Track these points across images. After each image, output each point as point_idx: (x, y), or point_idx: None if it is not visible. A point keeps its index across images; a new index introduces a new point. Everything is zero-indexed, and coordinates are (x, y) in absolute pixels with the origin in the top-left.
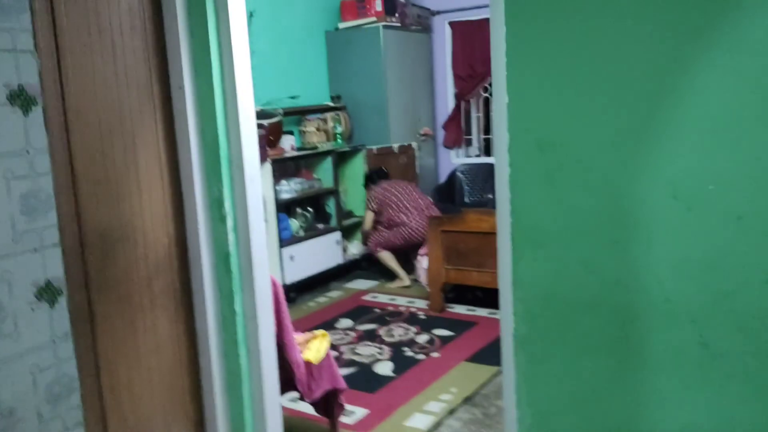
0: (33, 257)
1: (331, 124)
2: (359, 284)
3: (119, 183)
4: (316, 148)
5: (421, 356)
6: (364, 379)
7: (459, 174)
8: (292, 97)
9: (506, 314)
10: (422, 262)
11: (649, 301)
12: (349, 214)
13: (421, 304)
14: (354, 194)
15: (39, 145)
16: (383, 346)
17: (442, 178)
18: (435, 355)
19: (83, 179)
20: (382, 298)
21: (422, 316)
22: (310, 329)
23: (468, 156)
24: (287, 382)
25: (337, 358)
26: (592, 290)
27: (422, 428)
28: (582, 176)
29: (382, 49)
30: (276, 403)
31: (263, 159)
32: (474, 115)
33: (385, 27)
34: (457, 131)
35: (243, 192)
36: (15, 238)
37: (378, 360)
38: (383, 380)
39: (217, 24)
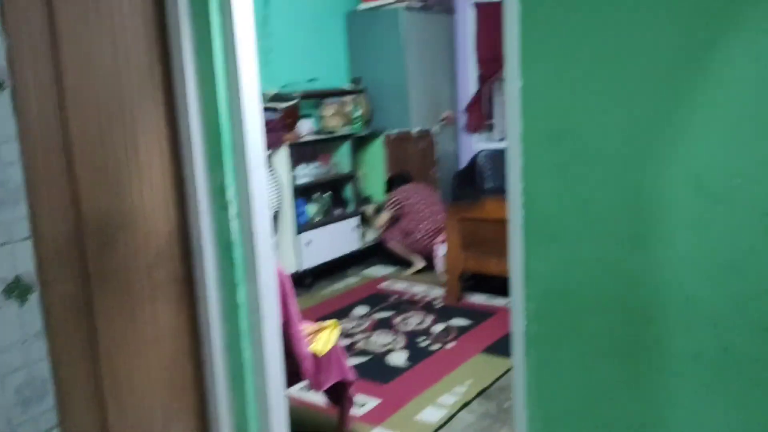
0: (0, 252)
1: (349, 107)
2: (376, 271)
3: (119, 169)
4: (334, 132)
5: (436, 346)
6: (377, 369)
7: (480, 159)
8: (311, 80)
9: (517, 311)
10: (439, 250)
11: (667, 302)
12: (367, 200)
13: (439, 292)
14: (372, 179)
15: (6, 132)
16: (398, 335)
17: (463, 163)
18: (450, 345)
19: (81, 165)
20: (399, 286)
21: (439, 305)
22: (324, 316)
23: (490, 141)
24: (296, 374)
25: (351, 347)
26: (607, 288)
27: (434, 422)
28: (599, 167)
29: (404, 31)
30: (281, 396)
31: (279, 143)
32: (497, 99)
33: (406, 8)
34: (479, 116)
35: (246, 179)
36: None
37: (392, 350)
38: (396, 371)
39: (220, 3)
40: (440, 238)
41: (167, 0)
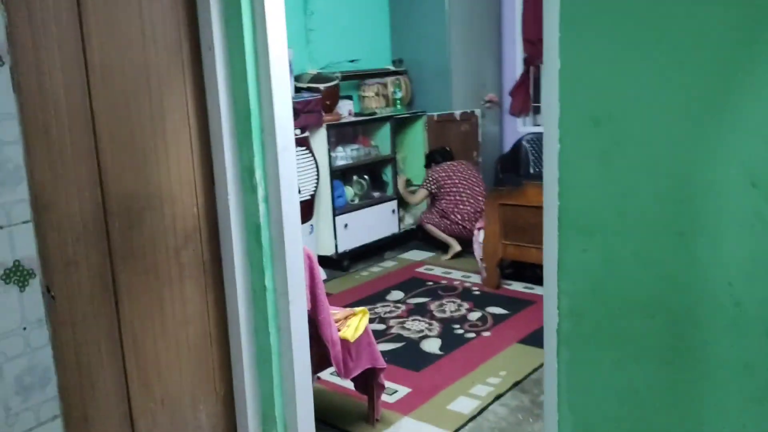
0: None
1: (391, 89)
2: (414, 255)
3: (145, 148)
4: (374, 113)
5: (471, 335)
6: (410, 356)
7: (525, 143)
8: (352, 61)
9: (549, 308)
10: (478, 236)
11: (715, 305)
12: (408, 182)
13: (477, 279)
14: (412, 162)
15: (4, 110)
16: (433, 321)
17: (507, 147)
18: (486, 334)
19: (107, 144)
20: (437, 271)
21: (476, 292)
22: (360, 300)
23: (535, 125)
24: (325, 359)
25: (385, 332)
26: (648, 288)
27: (465, 413)
28: (643, 156)
29: (448, 11)
30: (307, 382)
31: (318, 124)
32: None
33: None
34: (524, 98)
35: (275, 161)
36: None
37: (426, 336)
38: (430, 358)
39: None
40: (480, 223)
41: None
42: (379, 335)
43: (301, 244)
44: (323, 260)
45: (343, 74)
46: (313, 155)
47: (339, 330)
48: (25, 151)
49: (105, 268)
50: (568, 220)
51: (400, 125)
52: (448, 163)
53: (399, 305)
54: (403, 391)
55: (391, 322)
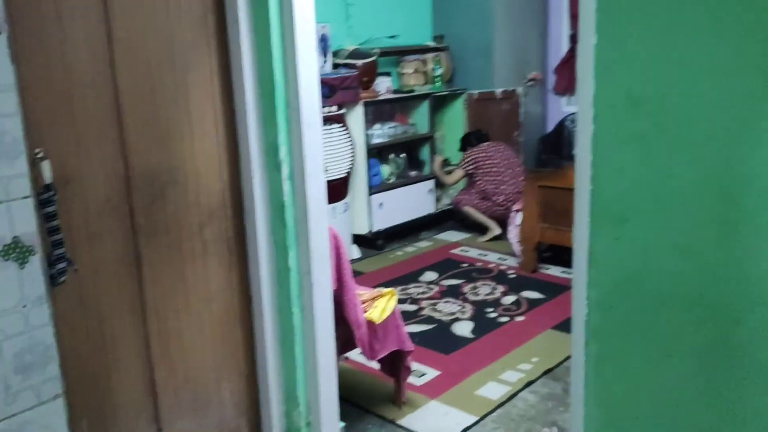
0: None
1: (430, 65)
2: (450, 236)
3: (169, 122)
4: (413, 91)
5: (504, 319)
6: (440, 339)
7: (568, 123)
8: (391, 37)
9: (578, 298)
10: (515, 219)
11: (758, 302)
12: (445, 162)
13: (513, 262)
14: (451, 141)
15: (2, 82)
16: (466, 304)
17: (550, 127)
18: (520, 318)
19: (130, 117)
20: (473, 253)
21: (512, 275)
22: (394, 279)
23: None
24: (351, 340)
25: (416, 314)
26: (685, 281)
27: (494, 399)
28: (683, 139)
29: None
30: (331, 363)
31: (355, 101)
32: None
33: None
34: (570, 77)
35: (300, 138)
36: None
37: (458, 319)
38: (460, 341)
39: None
40: (517, 205)
41: None
42: (410, 316)
43: (326, 225)
44: (358, 239)
45: (382, 50)
46: (349, 132)
47: (366, 311)
48: (24, 123)
49: (128, 242)
50: (600, 206)
51: (439, 103)
52: (486, 144)
53: (432, 286)
54: (431, 374)
55: (423, 304)
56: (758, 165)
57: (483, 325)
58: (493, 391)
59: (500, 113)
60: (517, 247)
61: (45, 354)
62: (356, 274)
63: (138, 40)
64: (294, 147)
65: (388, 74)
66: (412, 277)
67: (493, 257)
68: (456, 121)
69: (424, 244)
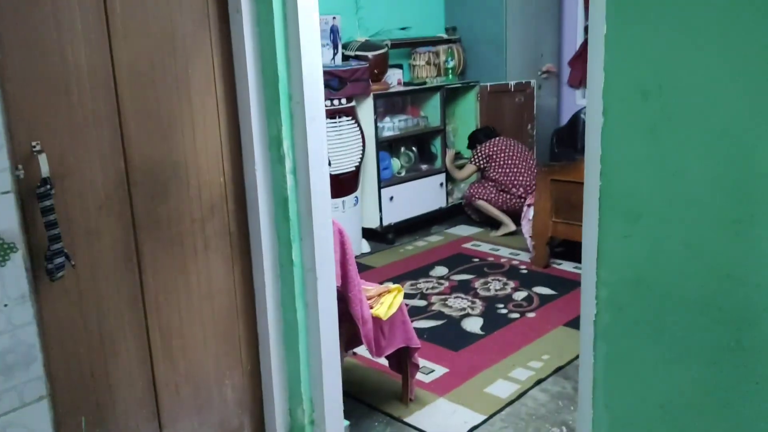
0: None
1: (443, 57)
2: (461, 230)
3: (170, 115)
4: (424, 83)
5: (515, 315)
6: (450, 335)
7: (583, 116)
8: (403, 29)
9: (587, 297)
10: (528, 213)
11: None
12: (457, 156)
13: (526, 257)
14: (463, 134)
15: None
16: (476, 300)
17: (564, 120)
18: (531, 315)
19: (129, 110)
20: (484, 247)
21: (523, 271)
22: (404, 274)
23: None
24: (356, 336)
25: (425, 309)
26: (697, 281)
27: (503, 397)
28: (696, 133)
29: None
30: (335, 360)
31: (365, 93)
32: None
33: None
34: (584, 69)
35: (303, 131)
36: None
37: (468, 315)
38: (470, 338)
39: None
40: (530, 199)
41: None
42: (419, 312)
43: (330, 219)
44: (368, 233)
45: (394, 42)
46: (359, 125)
47: (372, 307)
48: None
49: (128, 237)
50: (610, 203)
51: (451, 95)
52: (496, 138)
53: (442, 281)
54: (439, 371)
55: (433, 299)
56: None
57: (493, 321)
58: (502, 389)
59: (513, 106)
60: (530, 242)
61: (28, 354)
62: (366, 268)
63: (137, 31)
64: (297, 140)
65: (399, 66)
66: (423, 272)
67: (504, 252)
68: (468, 113)
69: (434, 239)
